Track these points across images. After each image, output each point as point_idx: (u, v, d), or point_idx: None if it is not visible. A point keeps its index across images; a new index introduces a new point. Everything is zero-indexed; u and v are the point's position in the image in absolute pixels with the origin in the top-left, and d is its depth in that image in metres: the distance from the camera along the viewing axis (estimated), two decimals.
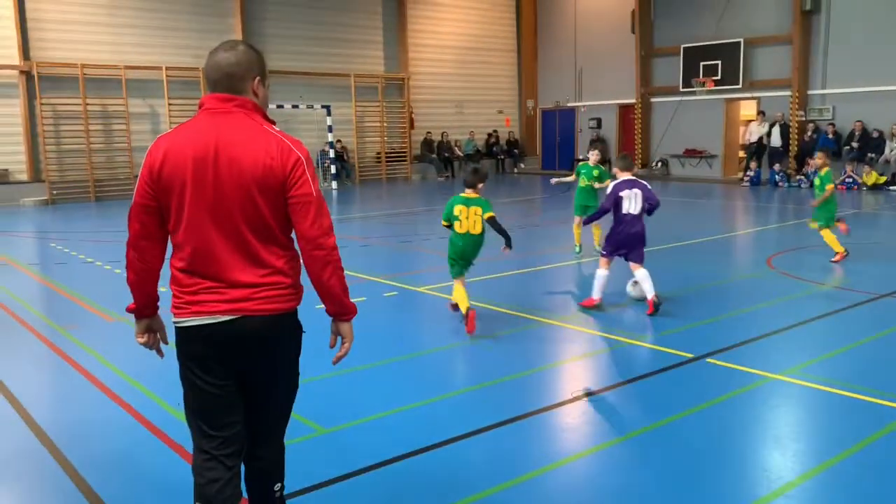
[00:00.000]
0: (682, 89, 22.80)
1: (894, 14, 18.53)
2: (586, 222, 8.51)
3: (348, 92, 22.85)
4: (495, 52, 27.10)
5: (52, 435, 4.38)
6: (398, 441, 4.19)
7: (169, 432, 4.33)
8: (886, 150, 18.70)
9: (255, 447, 2.80)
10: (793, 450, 4.10)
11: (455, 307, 6.82)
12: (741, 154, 22.84)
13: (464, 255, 6.64)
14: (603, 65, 25.16)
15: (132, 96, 19.09)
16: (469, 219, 6.50)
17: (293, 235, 2.68)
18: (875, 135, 18.83)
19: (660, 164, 23.85)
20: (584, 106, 26.28)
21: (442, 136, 25.25)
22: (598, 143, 10.18)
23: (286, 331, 2.71)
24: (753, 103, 22.04)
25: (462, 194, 6.61)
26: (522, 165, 27.28)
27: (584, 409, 4.80)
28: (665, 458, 3.98)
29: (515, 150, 27.36)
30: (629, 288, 7.45)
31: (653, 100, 24.17)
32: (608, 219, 7.41)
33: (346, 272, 2.77)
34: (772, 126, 20.72)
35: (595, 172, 9.69)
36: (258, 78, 2.67)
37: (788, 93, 20.58)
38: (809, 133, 20.07)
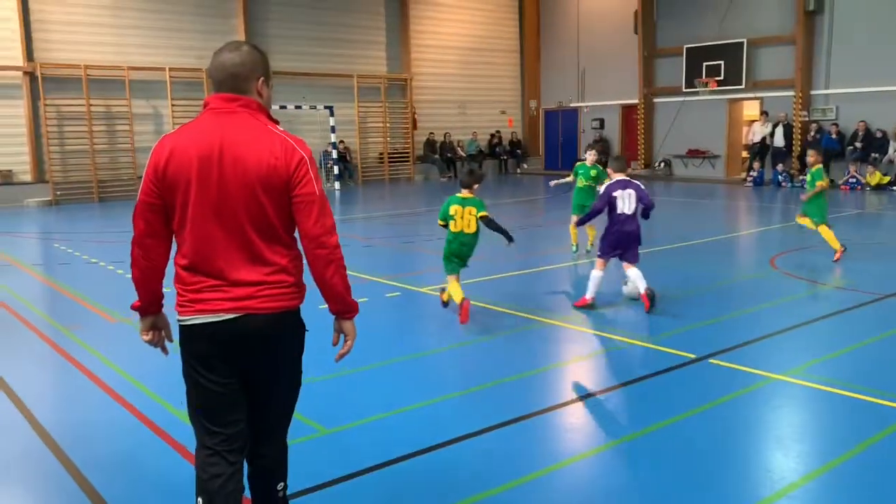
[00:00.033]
0: (684, 90, 22.78)
1: None
2: (579, 223, 8.57)
3: (351, 92, 22.87)
4: (498, 52, 27.09)
5: (55, 436, 4.39)
6: (401, 441, 4.20)
7: (172, 433, 4.33)
8: (890, 150, 18.66)
9: (259, 445, 2.82)
10: (796, 450, 4.10)
11: (445, 303, 7.02)
12: (744, 154, 22.80)
13: (458, 253, 6.83)
14: (606, 65, 25.14)
15: (135, 97, 19.13)
16: (464, 218, 6.74)
17: (296, 235, 2.70)
18: (878, 135, 18.79)
19: (663, 164, 23.83)
20: (586, 106, 26.27)
21: (445, 137, 25.25)
22: (595, 143, 10.17)
23: (289, 328, 2.73)
24: (756, 103, 22.01)
25: (458, 195, 6.84)
26: (525, 166, 27.27)
27: (587, 409, 4.80)
28: (668, 459, 3.98)
29: (518, 151, 27.35)
30: (624, 288, 7.46)
31: (656, 100, 24.15)
32: (603, 220, 7.41)
33: (348, 272, 2.78)
34: (775, 126, 20.69)
35: (593, 172, 9.70)
36: (262, 78, 2.70)
37: (791, 93, 20.55)
38: (813, 133, 20.03)
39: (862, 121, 19.02)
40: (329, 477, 3.77)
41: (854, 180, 18.72)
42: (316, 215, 2.60)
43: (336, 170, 21.34)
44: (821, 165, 9.55)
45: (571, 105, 26.76)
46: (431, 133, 25.07)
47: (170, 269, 2.73)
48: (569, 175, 10.23)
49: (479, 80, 26.53)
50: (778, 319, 6.76)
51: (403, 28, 24.25)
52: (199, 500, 2.69)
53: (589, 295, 7.10)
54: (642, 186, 7.22)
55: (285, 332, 2.72)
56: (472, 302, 6.68)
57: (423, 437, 4.25)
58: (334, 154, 21.32)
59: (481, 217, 6.74)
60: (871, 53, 18.83)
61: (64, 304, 8.04)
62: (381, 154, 24.16)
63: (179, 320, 2.65)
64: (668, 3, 23.35)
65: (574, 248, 10.05)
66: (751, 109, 22.78)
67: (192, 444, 2.83)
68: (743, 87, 21.52)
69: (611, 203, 7.11)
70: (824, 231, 9.36)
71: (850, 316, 6.86)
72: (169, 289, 2.65)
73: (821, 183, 9.28)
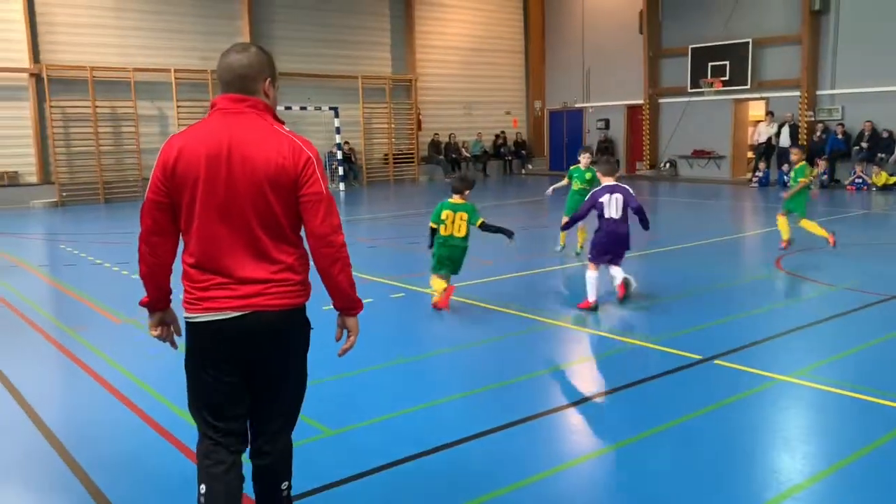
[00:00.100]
0: (690, 90, 22.74)
1: None
2: (563, 228, 8.74)
3: (356, 94, 22.88)
4: (503, 53, 27.09)
5: (60, 436, 4.39)
6: (406, 442, 4.19)
7: (177, 434, 4.34)
8: None
9: (263, 444, 2.84)
10: (802, 452, 4.08)
11: (437, 306, 7.14)
12: (750, 155, 22.76)
13: (449, 256, 7.03)
14: (611, 65, 25.11)
15: (141, 99, 19.17)
16: (454, 223, 6.96)
17: (302, 233, 2.74)
18: (885, 135, 18.72)
19: (668, 164, 23.78)
20: (591, 107, 26.24)
21: (449, 138, 25.25)
22: (589, 147, 10.20)
23: (295, 326, 2.77)
24: (762, 104, 21.96)
25: (450, 200, 7.05)
26: (530, 166, 27.25)
27: (593, 410, 4.78)
28: (674, 460, 3.97)
29: (523, 151, 27.33)
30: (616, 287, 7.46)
31: (661, 100, 24.11)
32: (593, 224, 7.45)
33: (353, 273, 2.81)
34: (781, 126, 20.63)
35: (587, 175, 9.67)
36: (269, 79, 2.74)
37: (797, 93, 20.49)
38: (819, 133, 19.98)
39: (868, 121, 18.95)
40: (334, 477, 3.77)
41: (860, 180, 18.65)
42: (323, 214, 2.65)
43: (341, 171, 21.35)
44: (805, 162, 9.90)
45: (576, 106, 26.74)
46: (436, 134, 25.08)
47: (178, 267, 2.75)
48: (563, 179, 10.23)
49: (484, 81, 26.52)
50: (784, 320, 6.74)
51: (408, 29, 24.26)
52: (201, 487, 2.73)
53: (591, 297, 7.09)
54: (630, 190, 7.22)
55: (291, 329, 2.76)
56: (476, 303, 6.69)
57: (428, 437, 4.25)
58: (339, 155, 21.33)
59: (480, 226, 6.96)
60: (877, 53, 18.76)
61: (69, 306, 8.06)
62: (385, 155, 24.17)
63: (186, 318, 2.69)
64: (673, 4, 23.31)
65: (559, 248, 10.06)
66: (756, 110, 22.72)
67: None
68: (748, 87, 21.46)
69: (598, 208, 7.16)
70: (807, 224, 9.65)
71: (856, 317, 6.83)
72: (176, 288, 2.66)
73: (803, 180, 9.59)
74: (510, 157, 26.89)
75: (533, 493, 3.65)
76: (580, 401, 4.95)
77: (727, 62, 21.64)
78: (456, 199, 7.06)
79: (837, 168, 19.61)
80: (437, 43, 25.06)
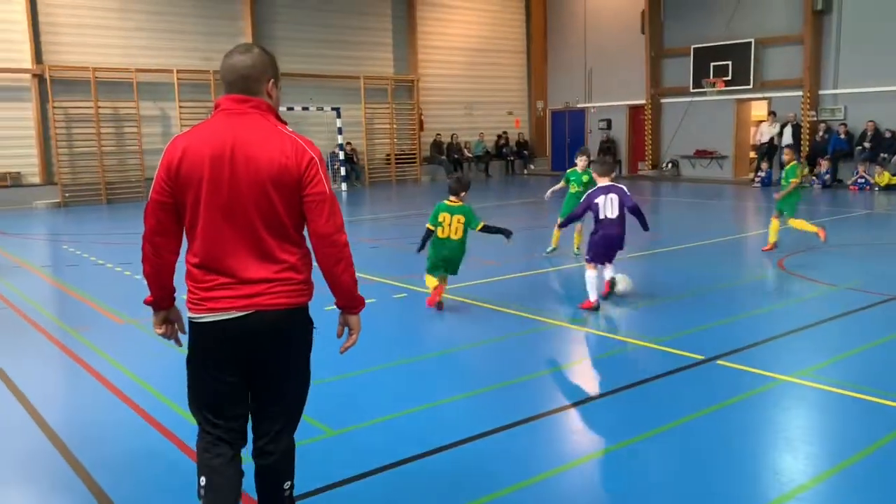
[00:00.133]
0: (692, 90, 22.72)
1: None
2: (561, 226, 8.86)
3: (358, 94, 22.89)
4: (505, 53, 27.08)
5: (63, 436, 4.40)
6: (409, 442, 4.19)
7: (179, 434, 4.34)
8: None
9: (266, 444, 2.85)
10: (805, 452, 4.08)
11: (440, 305, 7.17)
12: (752, 155, 22.74)
13: (446, 258, 7.05)
14: (613, 66, 25.10)
15: (143, 99, 19.19)
16: (451, 226, 6.99)
17: (305, 233, 2.76)
18: (888, 135, 18.69)
19: (670, 165, 23.77)
20: (593, 107, 26.23)
21: (451, 138, 25.25)
22: (586, 149, 10.24)
23: (298, 325, 2.79)
24: (764, 104, 21.94)
25: (446, 202, 7.07)
26: (532, 167, 27.25)
27: (596, 410, 4.78)
28: (676, 460, 3.97)
29: (525, 152, 27.33)
30: (616, 289, 7.48)
31: (663, 101, 24.09)
32: (589, 227, 7.52)
33: (355, 273, 2.83)
34: (783, 126, 20.61)
35: (584, 178, 9.64)
36: (272, 80, 2.76)
37: (800, 93, 20.47)
38: (821, 133, 19.95)
39: (871, 121, 18.93)
40: (337, 478, 3.77)
41: (863, 180, 18.63)
42: (327, 214, 2.67)
43: (343, 171, 21.36)
44: (795, 162, 10.04)
45: (578, 106, 26.73)
46: (438, 134, 25.08)
47: (182, 267, 2.77)
48: (561, 182, 10.21)
49: (486, 81, 26.52)
50: (787, 320, 6.73)
51: (410, 29, 24.26)
52: (202, 479, 2.76)
53: (592, 297, 7.09)
54: (625, 190, 7.25)
55: (294, 328, 2.77)
56: (477, 303, 6.69)
57: (430, 437, 4.25)
58: (341, 155, 21.34)
59: (481, 230, 7.00)
60: (879, 53, 18.74)
61: (72, 306, 8.07)
62: (387, 155, 24.18)
63: (190, 318, 2.72)
64: (675, 4, 23.30)
65: (551, 249, 10.04)
66: (759, 110, 22.70)
67: None
68: (751, 87, 21.45)
69: (594, 209, 7.18)
70: (796, 223, 9.79)
71: (859, 317, 6.82)
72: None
73: (795, 180, 9.74)
74: (512, 158, 26.89)
75: (535, 493, 3.65)
76: (582, 401, 4.95)
77: (729, 62, 21.62)
78: (453, 200, 7.08)
79: (840, 168, 19.59)
80: (440, 43, 25.06)
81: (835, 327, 6.55)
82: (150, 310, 2.92)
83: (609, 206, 7.12)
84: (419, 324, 7.11)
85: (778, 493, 3.59)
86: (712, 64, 22.00)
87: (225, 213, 2.61)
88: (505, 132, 27.01)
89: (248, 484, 2.99)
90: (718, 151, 22.69)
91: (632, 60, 24.19)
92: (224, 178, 2.60)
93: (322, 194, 2.66)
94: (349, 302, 2.86)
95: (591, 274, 7.12)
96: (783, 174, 10.13)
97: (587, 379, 5.56)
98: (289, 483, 2.91)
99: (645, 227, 7.39)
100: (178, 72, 19.41)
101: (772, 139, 20.78)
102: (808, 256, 9.73)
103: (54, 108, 17.98)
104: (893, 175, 18.34)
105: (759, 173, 20.80)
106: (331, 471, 3.84)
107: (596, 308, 7.07)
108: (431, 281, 7.14)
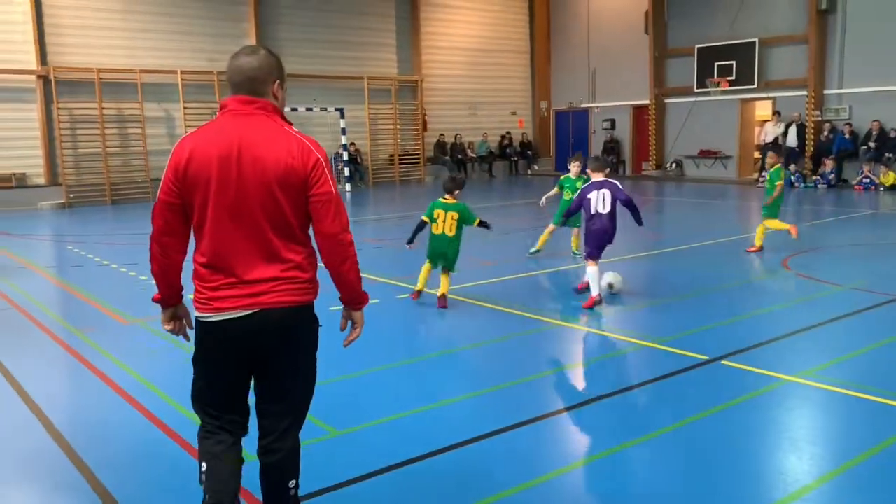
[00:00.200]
0: (696, 90, 22.69)
1: None
2: (561, 224, 9.39)
3: (362, 94, 22.91)
4: (508, 53, 27.07)
5: (68, 436, 4.41)
6: (413, 442, 4.19)
7: (183, 434, 4.35)
8: None
9: (272, 442, 2.87)
10: (809, 453, 4.07)
11: (443, 299, 7.34)
12: (756, 155, 22.68)
13: (440, 254, 7.30)
14: (617, 66, 25.08)
15: (147, 100, 19.24)
16: (446, 222, 7.28)
17: (310, 233, 2.81)
18: (893, 134, 18.64)
19: (674, 165, 23.74)
20: (597, 107, 26.21)
21: (455, 138, 25.25)
22: (578, 154, 10.31)
23: (304, 323, 2.82)
24: (769, 103, 21.89)
25: (441, 199, 7.35)
26: (536, 167, 27.23)
27: (600, 411, 4.77)
28: (680, 461, 3.96)
29: (529, 152, 27.31)
30: (606, 290, 7.52)
31: (667, 100, 24.06)
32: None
33: (360, 271, 2.89)
34: (788, 126, 20.57)
35: (578, 184, 9.61)
36: (278, 81, 2.79)
37: (804, 93, 20.42)
38: (826, 133, 19.91)
39: (876, 120, 18.89)
40: (342, 478, 3.77)
41: (868, 180, 18.57)
42: (332, 214, 2.71)
43: (347, 171, 21.37)
44: (779, 165, 10.12)
45: (582, 106, 26.71)
46: (442, 134, 25.08)
47: (189, 265, 2.81)
48: (554, 188, 10.18)
49: (490, 82, 26.51)
50: (791, 320, 6.72)
51: (414, 30, 24.27)
52: (202, 465, 2.81)
53: (594, 292, 7.12)
54: (618, 185, 7.32)
55: (300, 326, 2.81)
56: (481, 303, 6.69)
57: (436, 438, 4.25)
58: (345, 156, 21.35)
59: (477, 225, 7.41)
60: (884, 52, 18.69)
61: (77, 307, 8.09)
62: (391, 156, 24.19)
63: (197, 316, 2.76)
64: (679, 3, 23.27)
65: (534, 249, 10.00)
66: (763, 109, 22.65)
67: None
68: (755, 86, 21.41)
69: (585, 204, 7.29)
70: (770, 223, 9.96)
71: (864, 317, 6.80)
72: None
73: (780, 183, 9.85)
74: (516, 158, 26.87)
75: (540, 493, 3.65)
76: (587, 401, 4.94)
77: (733, 62, 21.58)
78: (447, 198, 7.33)
79: (845, 168, 19.54)
80: (443, 44, 25.06)
81: (839, 327, 6.53)
82: (154, 310, 2.95)
83: (600, 202, 7.20)
84: (422, 324, 7.11)
85: (782, 493, 3.58)
86: (716, 64, 21.97)
87: (232, 214, 2.64)
88: (508, 132, 27.00)
89: (254, 482, 3.00)
90: (722, 151, 22.66)
91: (635, 60, 24.16)
92: (231, 179, 2.62)
93: (328, 194, 2.69)
94: (354, 298, 2.92)
95: (592, 270, 7.17)
96: (767, 177, 10.18)
97: (591, 379, 5.56)
98: (294, 481, 2.93)
99: (639, 221, 7.47)
100: (182, 73, 19.45)
101: (776, 139, 20.73)
102: (812, 256, 9.71)
103: (59, 109, 18.03)
104: None
105: (763, 173, 20.71)
106: (335, 471, 3.85)
107: (599, 302, 7.10)
108: (425, 270, 7.53)
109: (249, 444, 3.01)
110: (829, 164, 19.35)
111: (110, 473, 3.92)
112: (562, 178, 10.05)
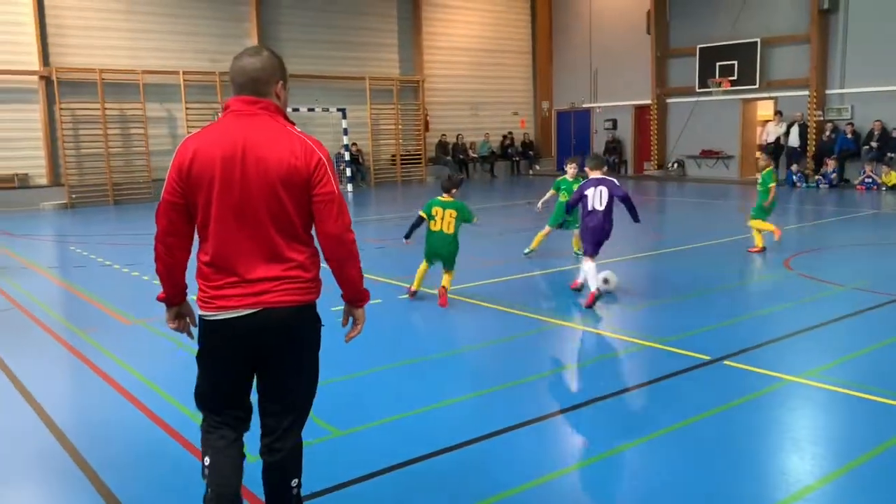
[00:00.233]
0: (698, 90, 22.68)
1: None
2: (560, 225, 9.46)
3: (363, 95, 22.92)
4: (510, 53, 27.07)
5: (71, 437, 4.42)
6: (416, 442, 4.20)
7: (186, 434, 4.36)
8: None
9: (274, 441, 2.88)
10: (812, 453, 4.07)
11: (444, 292, 7.42)
12: (758, 154, 22.65)
13: (438, 252, 7.42)
14: (618, 66, 25.07)
15: (150, 101, 19.26)
16: (444, 220, 7.38)
17: (313, 233, 2.83)
18: (894, 134, 18.62)
19: (676, 165, 23.72)
20: (599, 107, 26.21)
21: (457, 139, 25.26)
22: (574, 156, 10.34)
23: (306, 322, 2.84)
24: (770, 103, 21.88)
25: (440, 198, 7.47)
26: (538, 167, 27.22)
27: (602, 411, 4.77)
28: (683, 461, 3.96)
29: (530, 152, 27.31)
30: (601, 284, 7.50)
31: (669, 100, 24.05)
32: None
33: (361, 269, 2.93)
34: (790, 126, 20.55)
35: (575, 187, 9.60)
36: (281, 82, 2.81)
37: (806, 92, 20.41)
38: (828, 133, 19.89)
39: (878, 120, 18.87)
40: (344, 478, 3.78)
41: (870, 180, 18.56)
42: (335, 214, 2.74)
43: (348, 172, 21.38)
44: (771, 168, 10.27)
45: (584, 106, 26.70)
46: (443, 135, 25.09)
47: (193, 264, 2.83)
48: (550, 191, 10.16)
49: (492, 82, 26.51)
50: (793, 321, 6.71)
51: (415, 30, 24.28)
52: (206, 459, 2.83)
53: (593, 287, 7.15)
54: (615, 182, 7.40)
55: (302, 325, 2.83)
56: (482, 303, 6.70)
57: (438, 438, 4.25)
58: (347, 156, 21.36)
59: (476, 223, 7.66)
60: (886, 52, 18.67)
61: (79, 307, 8.10)
62: (393, 156, 24.20)
63: (200, 315, 2.79)
64: (680, 3, 23.25)
65: (528, 250, 10.00)
66: (765, 109, 22.64)
67: None
68: (757, 86, 21.39)
69: (583, 201, 7.37)
70: (755, 223, 10.07)
71: (866, 317, 6.80)
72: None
73: (773, 185, 10.01)
74: (518, 158, 26.87)
75: (543, 493, 3.65)
76: (589, 401, 4.94)
77: (735, 62, 21.57)
78: (445, 197, 7.45)
79: (847, 168, 19.52)
80: (445, 44, 25.06)
81: (842, 327, 6.53)
82: (156, 310, 2.96)
83: (597, 199, 7.27)
84: (424, 324, 7.12)
85: (785, 493, 3.58)
86: (718, 64, 21.95)
87: (236, 213, 2.66)
88: (510, 132, 27.00)
89: (256, 482, 3.01)
90: (724, 151, 22.64)
91: (637, 60, 24.15)
92: (235, 179, 2.64)
93: (331, 194, 2.72)
94: (356, 295, 2.96)
95: (590, 265, 7.24)
96: (759, 179, 10.23)
97: (593, 380, 5.55)
98: (296, 480, 2.94)
99: (635, 218, 7.54)
100: (184, 73, 19.48)
101: (778, 139, 20.72)
102: (814, 256, 9.70)
103: (61, 109, 18.05)
104: None
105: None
106: (338, 471, 3.85)
107: (598, 297, 7.15)
108: (421, 270, 7.63)
109: (252, 445, 3.02)
110: (830, 164, 19.33)
111: (113, 473, 3.92)
112: (558, 179, 10.03)
